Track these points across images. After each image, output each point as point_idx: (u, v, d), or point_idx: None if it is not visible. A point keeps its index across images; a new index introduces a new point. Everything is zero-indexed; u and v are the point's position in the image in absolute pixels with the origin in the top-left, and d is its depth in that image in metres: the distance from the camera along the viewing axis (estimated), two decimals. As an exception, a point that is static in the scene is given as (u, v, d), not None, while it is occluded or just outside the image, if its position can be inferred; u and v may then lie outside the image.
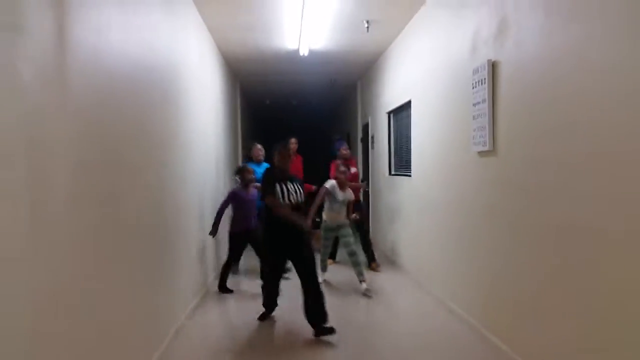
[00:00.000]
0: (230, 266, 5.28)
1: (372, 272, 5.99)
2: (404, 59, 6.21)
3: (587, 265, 2.54)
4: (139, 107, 3.13)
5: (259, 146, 6.36)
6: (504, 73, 3.43)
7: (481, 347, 3.58)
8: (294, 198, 3.99)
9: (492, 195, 3.61)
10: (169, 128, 3.90)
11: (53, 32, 2.00)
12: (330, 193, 5.22)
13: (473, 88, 3.84)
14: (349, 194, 5.37)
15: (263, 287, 4.40)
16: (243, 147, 9.58)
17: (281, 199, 3.93)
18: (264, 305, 4.33)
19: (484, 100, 3.65)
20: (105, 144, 2.53)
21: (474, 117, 3.84)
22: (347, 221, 5.41)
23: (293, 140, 6.36)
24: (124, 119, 2.83)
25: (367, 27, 5.92)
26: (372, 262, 6.17)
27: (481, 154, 3.78)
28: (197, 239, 4.87)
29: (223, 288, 5.22)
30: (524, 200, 3.16)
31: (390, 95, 6.91)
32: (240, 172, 5.40)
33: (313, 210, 4.97)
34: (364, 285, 5.09)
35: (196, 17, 5.32)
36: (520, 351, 3.22)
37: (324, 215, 5.41)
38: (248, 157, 6.74)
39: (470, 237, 4.05)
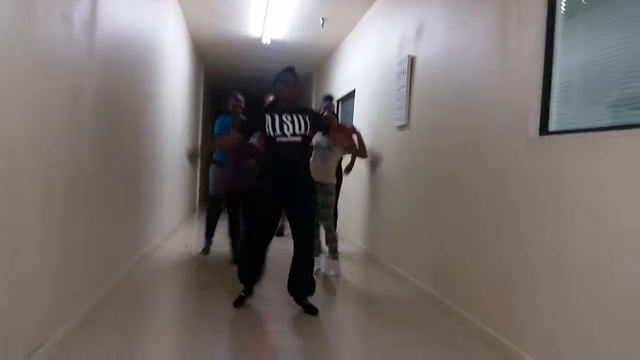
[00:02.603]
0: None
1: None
2: (351, 54, 7.24)
3: (466, 204, 3.59)
4: (135, 64, 4.00)
5: (240, 96, 5.08)
6: (418, 65, 4.48)
7: (393, 281, 4.62)
8: (289, 130, 3.28)
9: (407, 157, 4.64)
10: (151, 86, 4.74)
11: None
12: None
13: (397, 77, 4.87)
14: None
15: (241, 254, 3.51)
16: (203, 124, 10.34)
17: (271, 131, 3.28)
18: (240, 279, 3.46)
19: (403, 86, 4.68)
20: (117, 86, 3.38)
21: (396, 99, 4.87)
22: (333, 181, 4.57)
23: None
24: (126, 71, 3.67)
25: (322, 24, 6.89)
26: None
27: (399, 127, 4.81)
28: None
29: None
30: (428, 158, 4.19)
31: (340, 85, 7.93)
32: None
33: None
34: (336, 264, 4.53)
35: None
36: (428, 283, 4.26)
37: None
38: (221, 111, 5.32)
39: (391, 193, 5.08)
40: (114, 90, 3.43)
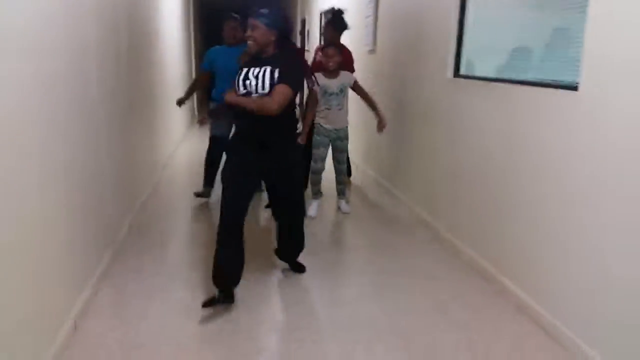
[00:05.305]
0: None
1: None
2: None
3: (407, 123, 4.56)
4: (144, 6, 4.76)
5: (232, 23, 4.39)
6: (382, -3, 5.18)
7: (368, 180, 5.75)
8: (247, 87, 2.59)
9: (376, 79, 5.51)
10: (156, 24, 5.54)
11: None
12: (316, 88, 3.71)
13: (366, 5, 5.57)
14: (346, 77, 4.07)
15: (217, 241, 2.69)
16: (196, 49, 10.84)
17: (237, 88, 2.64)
18: (213, 279, 2.65)
19: (370, 15, 5.40)
20: (134, 28, 4.22)
21: (365, 26, 5.61)
22: (347, 124, 4.22)
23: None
24: (137, 14, 4.47)
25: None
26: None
27: (369, 51, 5.62)
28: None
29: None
30: (387, 82, 5.09)
31: (323, 2, 8.46)
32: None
33: (309, 118, 3.85)
34: (344, 203, 4.39)
35: None
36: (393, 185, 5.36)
37: (317, 117, 4.08)
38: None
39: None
40: (133, 31, 4.27)
